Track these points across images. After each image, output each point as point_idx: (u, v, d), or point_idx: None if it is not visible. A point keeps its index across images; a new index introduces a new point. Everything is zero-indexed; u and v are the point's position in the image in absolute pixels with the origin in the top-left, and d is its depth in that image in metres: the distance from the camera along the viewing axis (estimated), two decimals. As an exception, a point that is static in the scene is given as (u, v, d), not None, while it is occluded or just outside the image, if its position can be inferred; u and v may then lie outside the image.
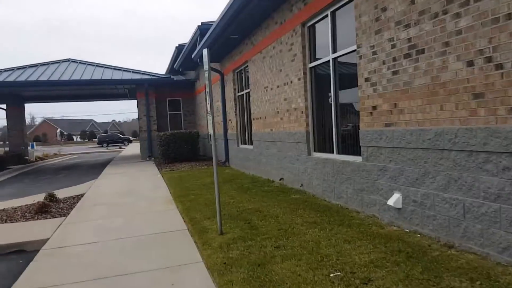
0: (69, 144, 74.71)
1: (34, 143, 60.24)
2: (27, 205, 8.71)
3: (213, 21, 10.32)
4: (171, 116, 21.28)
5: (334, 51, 6.49)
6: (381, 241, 4.49)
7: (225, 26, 9.44)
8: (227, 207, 6.80)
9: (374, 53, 5.30)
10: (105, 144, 53.84)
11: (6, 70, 19.17)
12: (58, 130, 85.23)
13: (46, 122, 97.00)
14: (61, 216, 7.52)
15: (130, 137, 64.85)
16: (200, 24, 13.10)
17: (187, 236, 5.50)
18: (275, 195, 7.50)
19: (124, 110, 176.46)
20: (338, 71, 6.50)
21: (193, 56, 13.38)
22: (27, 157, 23.66)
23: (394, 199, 5.00)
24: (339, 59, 6.45)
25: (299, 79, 7.52)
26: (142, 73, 19.87)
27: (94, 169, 18.04)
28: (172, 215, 6.86)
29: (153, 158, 19.26)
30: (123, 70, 20.31)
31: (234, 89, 12.49)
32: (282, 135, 8.51)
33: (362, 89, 5.59)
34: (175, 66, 19.07)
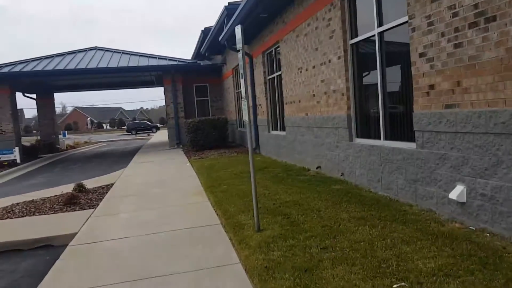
0: (99, 132, 76.19)
1: (66, 131, 61.99)
2: (56, 195, 8.51)
3: (241, 0, 9.72)
4: (198, 102, 20.92)
5: (380, 24, 5.79)
6: (445, 241, 3.88)
7: (254, 4, 8.82)
8: (262, 199, 6.31)
9: (431, 24, 4.60)
10: (133, 132, 54.46)
11: (34, 59, 19.21)
12: (88, 119, 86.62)
13: (76, 110, 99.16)
14: (90, 208, 7.24)
15: (157, 124, 65.40)
16: (227, 4, 12.50)
17: (221, 232, 5.05)
18: (314, 186, 6.94)
19: (152, 98, 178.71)
20: (384, 47, 5.81)
21: (220, 38, 12.83)
22: (58, 146, 23.95)
23: (457, 192, 4.36)
24: (386, 34, 5.75)
25: (339, 57, 6.86)
26: (168, 59, 19.51)
27: (123, 157, 17.95)
28: (204, 208, 6.43)
29: (181, 146, 19.01)
30: (149, 57, 20.02)
31: (264, 72, 11.90)
32: (319, 120, 7.90)
33: (416, 66, 4.90)
34: (201, 50, 18.60)
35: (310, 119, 8.37)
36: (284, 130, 10.53)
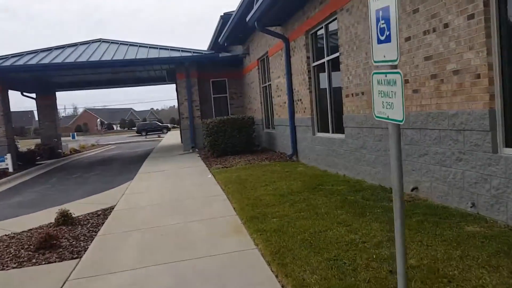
0: (109, 134, 74.34)
1: (75, 133, 60.01)
2: (31, 232, 6.00)
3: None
4: (215, 100, 18.34)
5: None
6: None
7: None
8: (353, 255, 3.68)
9: None
10: (143, 133, 52.24)
11: (29, 52, 16.82)
12: (98, 120, 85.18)
13: (87, 111, 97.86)
14: (72, 258, 4.69)
15: (168, 125, 63.16)
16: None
17: None
18: (433, 226, 4.25)
19: (162, 98, 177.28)
20: None
21: (248, 18, 10.21)
22: (60, 150, 21.58)
23: None
24: None
25: (470, 17, 4.19)
26: (181, 51, 16.96)
27: (130, 164, 15.45)
28: (253, 266, 3.83)
29: (196, 150, 16.46)
30: (159, 48, 17.50)
31: (308, 58, 9.25)
32: (420, 118, 5.23)
33: None
34: (219, 40, 16.00)
35: (396, 117, 5.70)
36: (341, 132, 7.88)
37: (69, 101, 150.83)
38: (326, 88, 8.57)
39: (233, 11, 13.90)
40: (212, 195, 7.40)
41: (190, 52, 16.75)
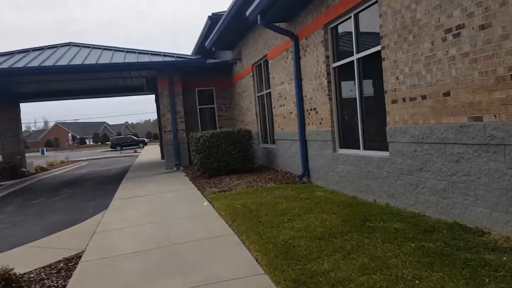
0: (81, 149, 70.95)
1: (45, 148, 56.47)
2: None
3: None
4: (201, 111, 16.43)
5: None
6: None
7: None
8: None
9: None
10: (118, 148, 49.51)
11: (-17, 56, 14.56)
12: (70, 134, 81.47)
13: (58, 125, 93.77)
14: None
15: (145, 139, 60.50)
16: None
17: None
18: None
19: (137, 111, 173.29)
20: None
21: (249, 12, 8.47)
22: (24, 169, 19.09)
23: None
24: None
25: None
26: (164, 55, 15.03)
27: (104, 185, 13.30)
28: None
29: (181, 168, 14.47)
30: (138, 53, 15.52)
31: (327, 58, 7.54)
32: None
33: None
34: (206, 44, 14.22)
35: (498, 129, 4.00)
36: (381, 149, 6.15)
37: (40, 115, 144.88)
38: (354, 94, 6.85)
39: (223, 12, 12.20)
40: (216, 234, 5.49)
41: (174, 56, 14.85)
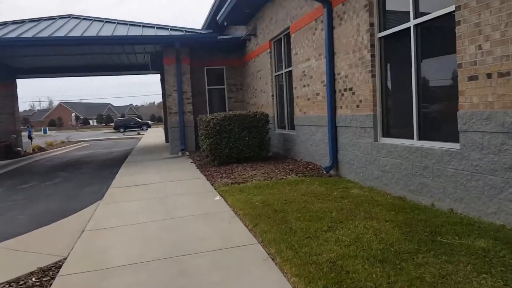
0: (84, 129, 69.91)
1: (47, 128, 55.41)
2: None
3: None
4: (210, 92, 15.12)
5: None
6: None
7: None
8: None
9: None
10: (121, 129, 48.33)
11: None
12: (73, 114, 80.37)
13: (62, 105, 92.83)
14: None
15: (148, 121, 59.25)
16: None
17: None
18: None
19: (142, 93, 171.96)
20: None
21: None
22: (19, 149, 17.94)
23: None
24: None
25: None
26: (171, 29, 13.67)
27: (103, 169, 12.11)
28: None
29: (187, 153, 13.25)
30: (143, 26, 14.15)
31: (371, 26, 6.18)
32: None
33: None
34: (218, 17, 12.85)
35: None
36: (444, 139, 4.87)
37: (44, 94, 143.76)
38: (407, 70, 5.52)
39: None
40: (235, 243, 4.26)
41: (182, 31, 13.48)
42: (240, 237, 4.45)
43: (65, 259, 4.22)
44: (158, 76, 20.86)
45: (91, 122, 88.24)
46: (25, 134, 21.73)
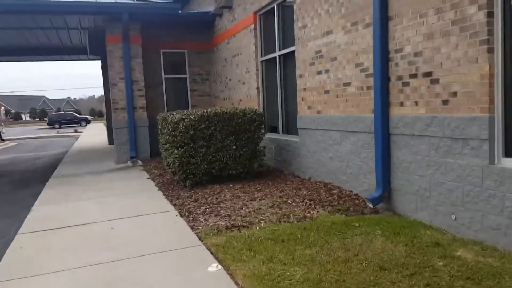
0: (15, 125, 62.59)
1: (-27, 123, 48.53)
2: None
3: None
4: (167, 82, 11.91)
5: None
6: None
7: None
8: None
9: None
10: (56, 125, 43.10)
11: None
12: (2, 108, 72.17)
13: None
14: None
15: (88, 116, 53.81)
16: None
17: None
18: None
19: (81, 85, 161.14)
20: None
21: None
22: None
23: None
24: None
25: None
26: (116, -3, 10.30)
27: (16, 191, 8.50)
28: None
29: (139, 162, 10.05)
30: (78, -8, 10.64)
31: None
32: None
33: None
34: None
35: None
36: None
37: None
38: None
39: None
40: None
41: (132, -1, 10.19)
42: None
43: None
44: (98, 64, 17.12)
45: (23, 116, 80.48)
46: None
